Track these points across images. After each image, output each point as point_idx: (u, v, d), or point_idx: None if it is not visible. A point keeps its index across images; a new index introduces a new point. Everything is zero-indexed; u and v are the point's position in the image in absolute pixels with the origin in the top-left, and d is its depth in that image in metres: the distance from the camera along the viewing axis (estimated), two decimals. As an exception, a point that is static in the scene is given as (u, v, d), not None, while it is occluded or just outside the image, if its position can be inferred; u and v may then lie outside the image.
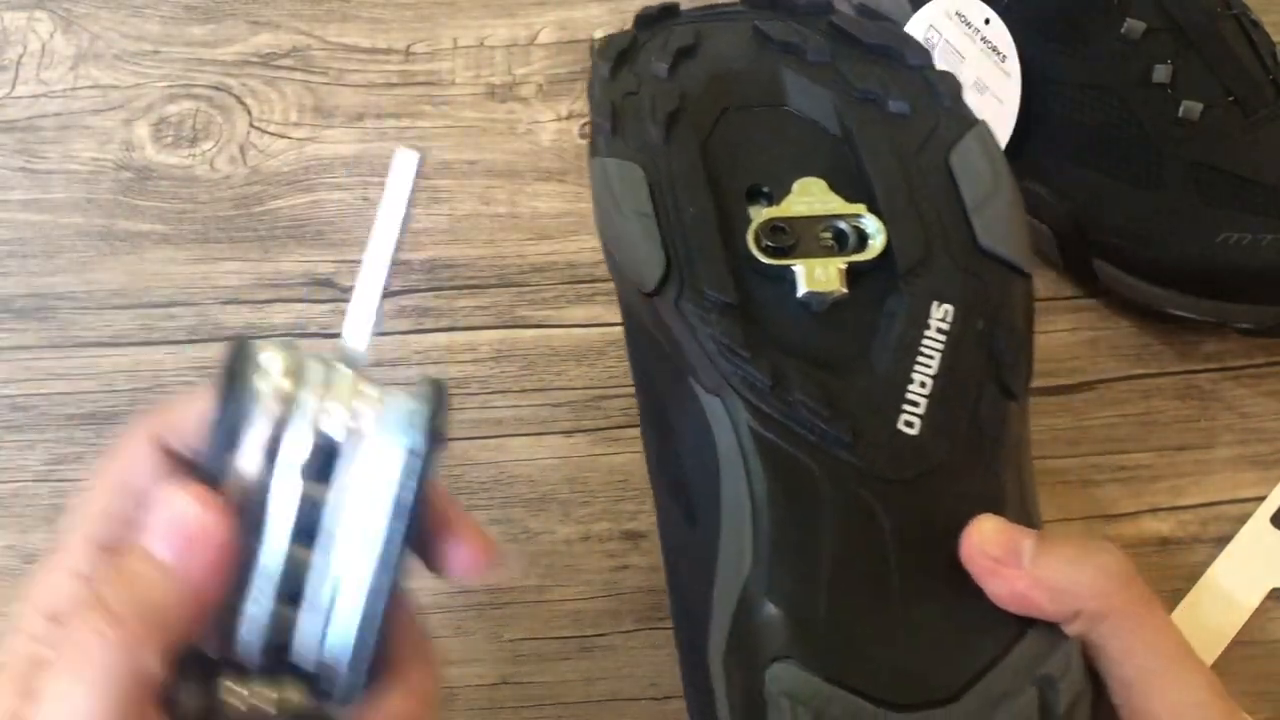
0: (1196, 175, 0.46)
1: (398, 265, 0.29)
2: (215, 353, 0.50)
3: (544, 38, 0.59)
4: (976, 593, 0.31)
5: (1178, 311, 0.48)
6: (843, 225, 0.34)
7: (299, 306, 0.52)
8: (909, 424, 0.32)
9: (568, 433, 0.49)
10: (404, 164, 0.29)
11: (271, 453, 0.27)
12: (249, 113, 0.56)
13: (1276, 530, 0.46)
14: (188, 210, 0.54)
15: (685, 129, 0.36)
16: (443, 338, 0.51)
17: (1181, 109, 0.46)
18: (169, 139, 0.56)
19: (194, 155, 0.55)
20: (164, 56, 0.58)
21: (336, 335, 0.51)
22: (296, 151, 0.55)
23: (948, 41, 0.51)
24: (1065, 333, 0.51)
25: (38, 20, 0.59)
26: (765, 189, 0.36)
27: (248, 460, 0.27)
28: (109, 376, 0.50)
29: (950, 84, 0.37)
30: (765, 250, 0.34)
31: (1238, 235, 0.45)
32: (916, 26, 0.52)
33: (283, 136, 0.56)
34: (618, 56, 0.38)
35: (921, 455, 0.32)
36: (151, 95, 0.57)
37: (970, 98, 0.50)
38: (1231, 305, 0.47)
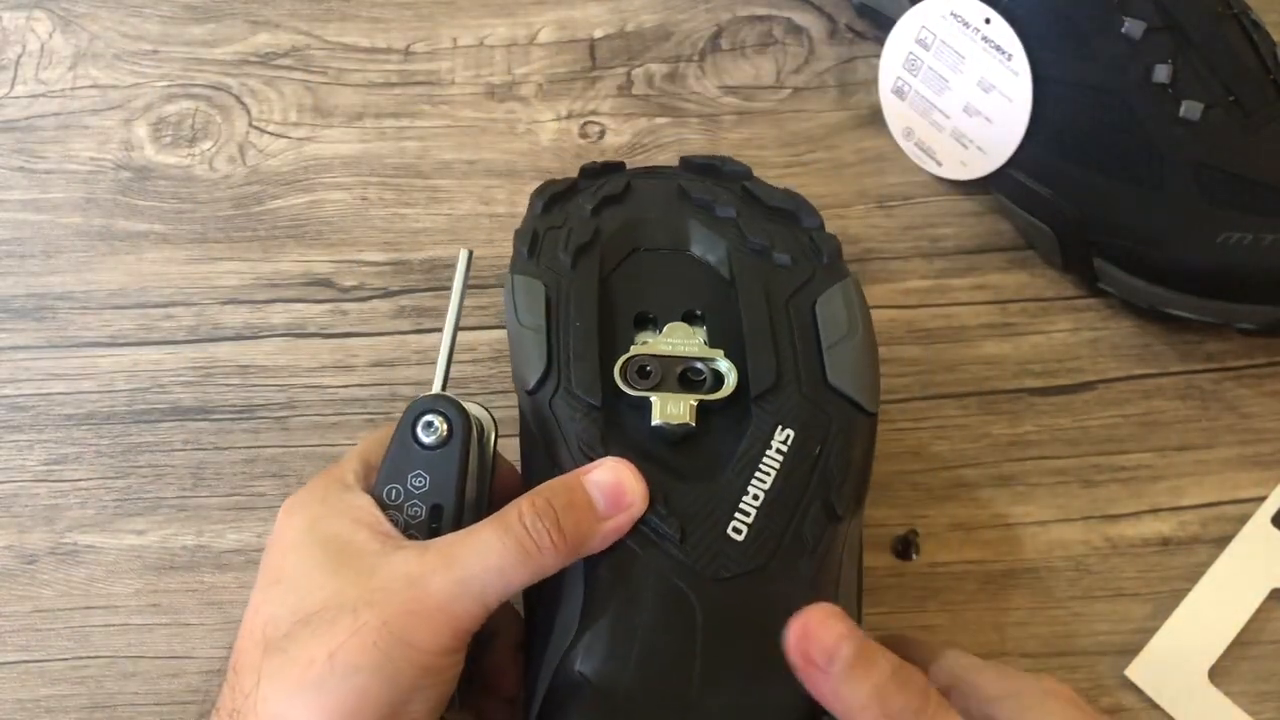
0: (1198, 175, 0.46)
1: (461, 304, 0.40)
2: (214, 353, 0.50)
3: (543, 37, 0.58)
4: (769, 687, 0.33)
5: (1179, 311, 0.48)
6: (700, 366, 0.38)
7: (298, 306, 0.51)
8: (737, 530, 0.35)
9: (567, 433, 0.48)
10: (461, 261, 0.40)
11: None
12: (248, 112, 0.56)
13: (1277, 530, 0.46)
14: (187, 210, 0.54)
15: (591, 260, 0.40)
16: (442, 338, 0.51)
17: (1182, 109, 0.46)
18: (168, 139, 0.56)
19: (193, 155, 0.55)
20: (163, 56, 0.58)
21: (335, 335, 0.51)
22: (295, 151, 0.55)
23: (944, 42, 0.51)
24: (1065, 333, 0.51)
25: (36, 20, 0.59)
26: (653, 316, 0.40)
27: None
28: (108, 376, 0.50)
29: (831, 244, 0.42)
30: (629, 383, 0.38)
31: (1239, 235, 0.45)
32: (907, 27, 0.52)
33: (282, 136, 0.56)
34: (552, 197, 0.44)
35: (742, 559, 0.35)
36: (150, 95, 0.57)
37: (975, 96, 0.50)
38: (1233, 305, 0.47)
